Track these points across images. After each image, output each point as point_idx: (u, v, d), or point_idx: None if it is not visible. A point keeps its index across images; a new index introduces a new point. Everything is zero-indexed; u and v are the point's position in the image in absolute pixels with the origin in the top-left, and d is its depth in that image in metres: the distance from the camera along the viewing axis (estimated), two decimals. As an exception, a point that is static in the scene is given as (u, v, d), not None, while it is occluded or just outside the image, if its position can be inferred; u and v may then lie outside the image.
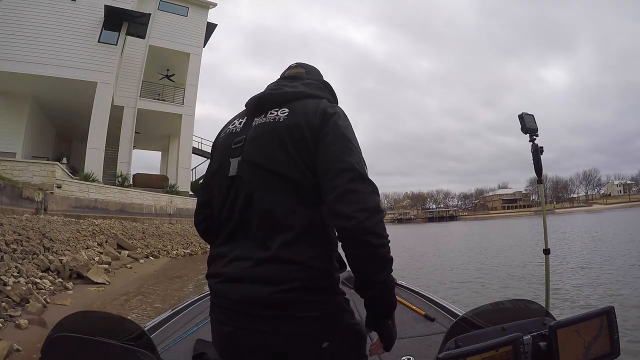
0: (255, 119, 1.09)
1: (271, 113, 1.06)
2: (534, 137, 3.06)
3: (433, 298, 2.69)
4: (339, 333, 1.01)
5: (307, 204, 0.99)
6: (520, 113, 3.08)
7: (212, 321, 1.11)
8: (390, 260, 0.96)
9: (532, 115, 3.10)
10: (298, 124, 1.01)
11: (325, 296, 0.99)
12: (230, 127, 1.16)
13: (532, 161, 3.05)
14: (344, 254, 0.99)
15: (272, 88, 1.15)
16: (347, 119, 1.05)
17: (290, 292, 0.94)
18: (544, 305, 1.15)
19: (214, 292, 1.08)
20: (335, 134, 0.99)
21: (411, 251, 15.95)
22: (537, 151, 3.04)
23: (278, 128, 1.02)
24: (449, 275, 8.75)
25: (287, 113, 1.04)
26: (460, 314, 1.29)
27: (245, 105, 1.17)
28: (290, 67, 1.27)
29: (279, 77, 1.26)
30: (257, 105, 1.11)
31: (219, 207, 1.10)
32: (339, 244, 1.01)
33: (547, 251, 3.20)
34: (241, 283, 0.97)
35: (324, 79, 1.25)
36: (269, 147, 1.01)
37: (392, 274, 0.98)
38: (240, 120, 1.15)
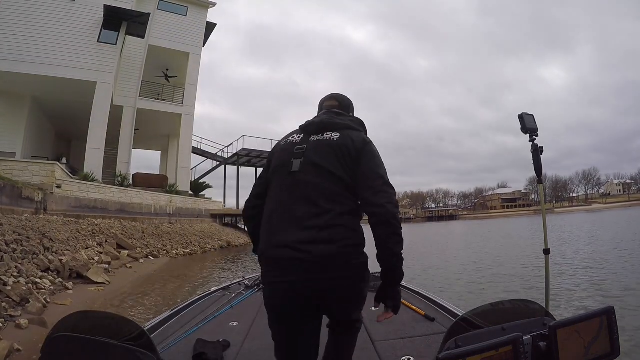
0: (312, 136, 1.55)
1: (327, 134, 1.53)
2: (534, 137, 3.06)
3: (433, 298, 2.70)
4: (366, 279, 1.47)
5: (349, 193, 1.45)
6: (520, 113, 3.08)
7: (273, 283, 1.42)
8: (402, 240, 1.41)
9: (532, 115, 3.10)
10: (346, 144, 1.48)
11: (362, 251, 1.43)
12: (290, 139, 1.60)
13: (532, 161, 3.05)
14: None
15: (326, 119, 1.60)
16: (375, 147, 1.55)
17: (347, 247, 1.37)
18: (544, 305, 1.16)
19: (280, 256, 1.39)
20: (372, 155, 1.49)
21: (411, 250, 15.95)
22: (537, 151, 3.03)
23: (332, 144, 1.49)
24: (449, 275, 8.72)
25: (339, 136, 1.51)
26: (460, 314, 1.30)
27: (303, 127, 1.62)
28: (326, 99, 1.75)
29: (319, 105, 1.77)
30: (318, 128, 1.57)
31: (281, 193, 1.48)
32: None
33: (547, 251, 3.20)
34: (313, 244, 1.34)
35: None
36: (326, 154, 1.47)
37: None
38: (299, 135, 1.59)
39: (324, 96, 1.77)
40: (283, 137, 1.66)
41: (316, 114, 1.73)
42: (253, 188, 1.66)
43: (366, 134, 1.62)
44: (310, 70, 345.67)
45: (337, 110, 1.68)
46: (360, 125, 1.63)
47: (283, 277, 1.37)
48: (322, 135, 1.53)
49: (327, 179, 1.43)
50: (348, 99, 1.76)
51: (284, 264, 1.37)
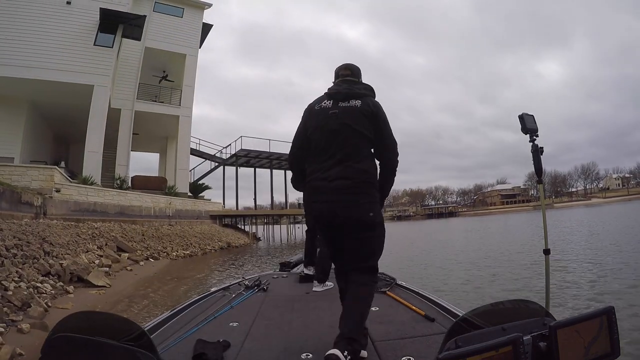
0: (340, 103, 2.05)
1: (352, 101, 2.04)
2: (534, 137, 3.06)
3: (433, 298, 2.70)
4: (376, 212, 2.00)
5: (369, 146, 2.04)
6: (520, 114, 3.08)
7: (315, 203, 2.05)
8: (395, 176, 2.14)
9: (532, 115, 3.10)
10: (365, 109, 2.01)
11: (372, 188, 2.01)
12: (323, 104, 2.10)
13: (532, 161, 3.06)
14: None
15: (348, 89, 2.09)
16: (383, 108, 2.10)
17: (359, 182, 1.94)
18: (544, 305, 1.16)
19: (318, 185, 2.01)
20: (383, 117, 2.06)
21: (410, 249, 15.97)
22: (537, 151, 3.04)
23: (357, 110, 2.01)
24: (449, 275, 8.69)
25: (360, 103, 2.03)
26: (460, 314, 1.30)
27: (331, 95, 2.11)
28: (341, 69, 2.21)
29: (335, 73, 2.23)
30: (345, 97, 2.06)
31: (321, 145, 2.04)
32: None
33: (547, 251, 3.20)
34: (338, 180, 1.94)
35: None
36: (354, 117, 2.00)
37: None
38: (328, 102, 2.09)
39: (339, 65, 2.25)
40: (314, 101, 2.18)
41: (333, 81, 2.21)
42: (294, 141, 2.21)
43: (375, 97, 2.16)
44: (306, 70, 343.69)
45: (351, 78, 2.17)
46: (372, 91, 2.16)
47: (319, 198, 2.00)
48: (348, 102, 2.06)
49: (353, 135, 1.99)
50: (358, 67, 2.27)
51: (321, 190, 1.99)
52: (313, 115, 2.12)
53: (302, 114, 2.19)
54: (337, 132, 2.00)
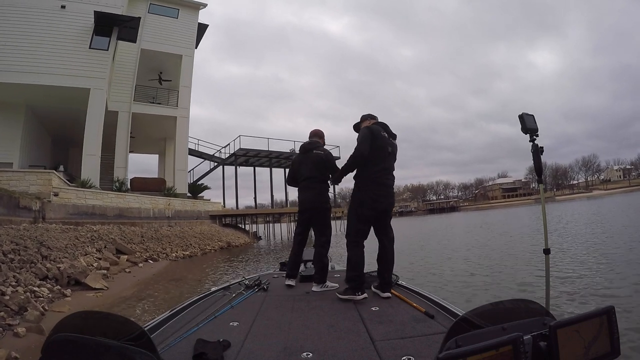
0: (390, 138, 3.34)
1: (395, 141, 3.42)
2: (534, 137, 3.06)
3: (433, 298, 2.70)
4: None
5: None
6: (520, 113, 3.11)
7: (377, 195, 3.20)
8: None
9: (532, 115, 3.12)
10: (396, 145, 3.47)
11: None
12: (383, 134, 3.26)
13: (533, 161, 3.05)
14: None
15: (388, 139, 3.33)
16: None
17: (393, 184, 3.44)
18: (544, 305, 1.14)
19: (383, 184, 3.24)
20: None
21: (411, 248, 15.96)
22: (537, 151, 3.04)
23: (395, 145, 3.41)
24: (449, 274, 8.61)
25: (395, 143, 3.42)
26: (461, 314, 1.28)
27: (385, 130, 3.33)
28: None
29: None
30: (392, 136, 3.38)
31: (383, 158, 3.23)
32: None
33: (547, 251, 3.20)
34: (390, 182, 3.34)
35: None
36: (395, 149, 3.40)
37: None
38: (386, 135, 3.30)
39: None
40: (377, 131, 3.23)
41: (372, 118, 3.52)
42: (364, 149, 3.18)
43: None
44: (292, 65, 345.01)
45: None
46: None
47: (382, 193, 3.23)
48: (393, 139, 3.38)
49: (395, 159, 3.38)
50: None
51: (384, 188, 3.25)
52: (379, 140, 3.26)
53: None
54: (391, 154, 3.33)
